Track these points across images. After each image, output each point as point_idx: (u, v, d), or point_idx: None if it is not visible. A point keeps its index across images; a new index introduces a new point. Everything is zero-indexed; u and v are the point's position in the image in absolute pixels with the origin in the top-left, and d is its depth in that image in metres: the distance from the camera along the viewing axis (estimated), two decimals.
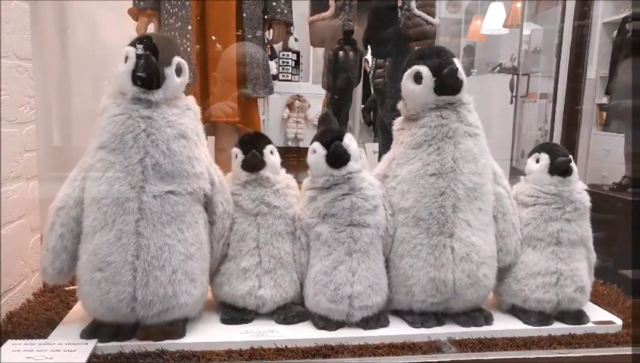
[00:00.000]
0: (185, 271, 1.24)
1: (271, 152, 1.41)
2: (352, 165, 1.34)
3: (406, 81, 1.39)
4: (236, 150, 1.41)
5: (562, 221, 1.44)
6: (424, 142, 1.37)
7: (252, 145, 1.38)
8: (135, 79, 1.21)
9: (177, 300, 1.23)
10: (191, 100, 1.34)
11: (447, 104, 1.36)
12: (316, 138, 1.38)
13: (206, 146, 1.36)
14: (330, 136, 1.35)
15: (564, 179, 1.46)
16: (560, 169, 1.45)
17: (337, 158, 1.33)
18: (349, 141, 1.36)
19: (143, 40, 1.23)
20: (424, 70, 1.35)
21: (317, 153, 1.35)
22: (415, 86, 1.37)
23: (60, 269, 1.27)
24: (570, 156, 1.48)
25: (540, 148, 1.53)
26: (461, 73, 1.36)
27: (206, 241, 1.33)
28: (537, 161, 1.50)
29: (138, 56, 1.21)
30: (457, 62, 1.36)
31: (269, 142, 1.43)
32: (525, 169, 1.54)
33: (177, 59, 1.27)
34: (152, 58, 1.20)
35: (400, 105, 1.46)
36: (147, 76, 1.20)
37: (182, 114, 1.28)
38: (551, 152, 1.48)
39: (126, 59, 1.23)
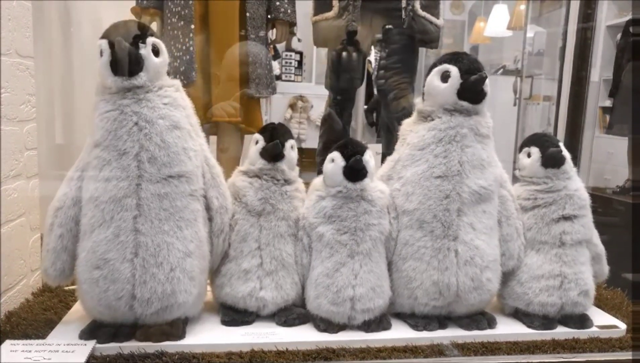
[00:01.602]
0: (184, 269, 1.23)
1: (292, 147, 1.40)
2: (367, 182, 1.34)
3: (433, 77, 1.39)
4: (258, 136, 1.40)
5: (564, 221, 1.43)
6: (431, 143, 1.36)
7: (276, 135, 1.37)
8: (115, 69, 1.20)
9: (175, 298, 1.22)
10: (178, 84, 1.31)
11: (464, 110, 1.36)
12: (337, 148, 1.36)
13: (202, 137, 1.34)
14: (351, 148, 1.34)
15: (558, 171, 1.44)
16: (552, 160, 1.44)
17: (356, 172, 1.32)
18: (369, 158, 1.35)
19: (112, 30, 1.22)
20: (454, 70, 1.34)
21: (335, 163, 1.34)
22: (441, 83, 1.36)
23: (61, 270, 1.26)
24: (561, 144, 1.46)
25: (529, 142, 1.50)
26: (487, 85, 1.35)
27: (205, 239, 1.32)
28: (529, 155, 1.48)
29: (111, 46, 1.19)
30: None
31: (291, 136, 1.42)
32: (519, 165, 1.52)
33: (151, 40, 1.24)
34: (124, 44, 1.19)
35: (417, 100, 1.45)
36: (124, 62, 1.19)
37: (173, 103, 1.26)
38: (541, 144, 1.46)
39: (101, 52, 1.21)
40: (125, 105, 1.20)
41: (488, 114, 1.41)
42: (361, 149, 1.34)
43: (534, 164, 1.46)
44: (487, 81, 1.35)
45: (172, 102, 1.26)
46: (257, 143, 1.39)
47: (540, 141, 1.48)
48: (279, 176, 1.38)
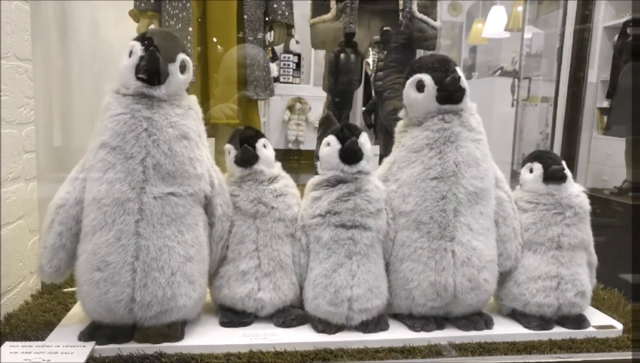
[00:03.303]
0: (185, 274, 1.24)
1: (264, 146, 1.40)
2: (363, 164, 1.35)
3: (408, 89, 1.39)
4: (229, 146, 1.40)
5: (563, 225, 1.44)
6: (425, 145, 1.36)
7: (244, 140, 1.38)
8: (139, 74, 1.21)
9: (175, 302, 1.23)
10: (193, 100, 1.33)
11: (450, 111, 1.36)
12: (332, 132, 1.37)
13: (207, 147, 1.35)
14: (347, 131, 1.35)
15: (560, 186, 1.45)
16: (554, 178, 1.45)
17: (351, 154, 1.33)
18: (364, 141, 1.36)
19: (149, 35, 1.23)
20: (427, 78, 1.35)
21: (331, 146, 1.35)
22: (418, 94, 1.36)
23: (57, 267, 1.26)
24: (563, 162, 1.48)
25: (532, 158, 1.52)
26: (463, 82, 1.36)
27: (206, 243, 1.32)
28: (531, 170, 1.49)
29: (143, 51, 1.21)
30: (460, 71, 1.36)
31: (261, 136, 1.42)
32: (520, 180, 1.54)
33: (181, 56, 1.26)
34: (156, 53, 1.20)
35: (401, 113, 1.46)
36: (151, 71, 1.20)
37: (185, 114, 1.27)
38: (544, 161, 1.48)
39: (130, 53, 1.23)
40: (137, 110, 1.21)
41: (474, 104, 1.41)
42: (357, 132, 1.36)
43: (537, 180, 1.47)
44: (462, 77, 1.35)
45: (184, 113, 1.27)
46: (229, 153, 1.40)
47: (543, 157, 1.49)
48: (260, 177, 1.38)
